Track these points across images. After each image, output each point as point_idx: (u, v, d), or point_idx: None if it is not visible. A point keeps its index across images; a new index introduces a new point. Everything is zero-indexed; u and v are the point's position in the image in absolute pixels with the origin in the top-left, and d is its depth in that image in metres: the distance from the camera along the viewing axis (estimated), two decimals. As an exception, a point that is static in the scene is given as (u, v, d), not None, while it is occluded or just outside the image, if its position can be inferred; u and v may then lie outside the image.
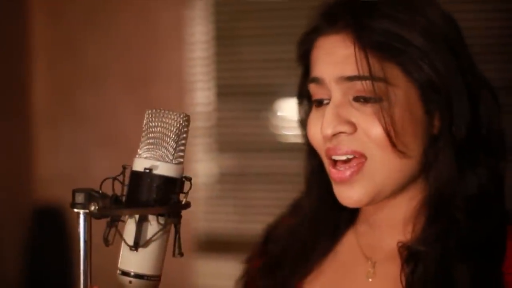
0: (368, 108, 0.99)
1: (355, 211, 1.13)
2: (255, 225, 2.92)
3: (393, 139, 0.98)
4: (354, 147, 1.00)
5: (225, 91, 2.99)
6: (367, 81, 0.98)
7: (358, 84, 0.99)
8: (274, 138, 2.97)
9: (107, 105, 3.04)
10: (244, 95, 2.98)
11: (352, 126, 1.00)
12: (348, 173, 1.01)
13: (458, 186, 1.01)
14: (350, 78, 0.99)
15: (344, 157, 1.01)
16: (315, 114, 1.05)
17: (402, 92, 0.99)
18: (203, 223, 3.08)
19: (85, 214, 0.94)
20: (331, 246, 1.13)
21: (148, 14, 3.00)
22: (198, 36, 2.96)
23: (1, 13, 3.03)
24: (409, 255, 1.02)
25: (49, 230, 3.16)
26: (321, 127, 1.01)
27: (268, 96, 2.96)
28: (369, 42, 0.98)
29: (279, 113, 2.96)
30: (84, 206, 0.93)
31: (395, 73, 0.99)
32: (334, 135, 1.01)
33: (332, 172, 1.03)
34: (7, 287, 3.09)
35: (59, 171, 3.12)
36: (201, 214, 3.06)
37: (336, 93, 1.01)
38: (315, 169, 1.12)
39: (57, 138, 3.14)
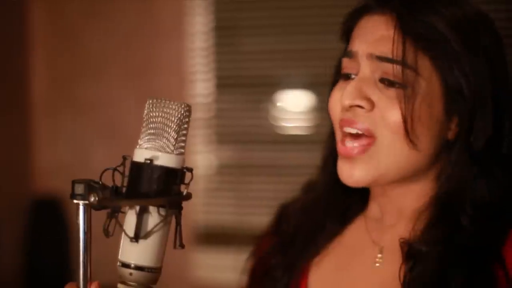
0: (391, 92, 1.00)
1: (366, 196, 1.14)
2: (254, 217, 2.94)
3: (408, 127, 0.99)
4: (367, 124, 1.01)
5: (224, 83, 2.98)
6: (398, 66, 0.99)
7: (388, 66, 1.00)
8: (273, 130, 2.96)
9: (107, 96, 3.03)
10: (243, 86, 2.97)
11: (371, 104, 1.01)
12: (355, 151, 1.02)
13: (468, 193, 1.02)
14: (381, 58, 1.01)
15: (354, 130, 1.02)
16: (339, 86, 1.07)
17: (427, 84, 1.00)
18: (202, 215, 3.07)
19: (85, 205, 0.92)
20: (339, 229, 1.15)
21: (148, 4, 2.98)
22: (198, 27, 2.95)
23: (-1, 3, 3.02)
24: (410, 252, 1.03)
25: (48, 222, 3.15)
26: (341, 96, 1.03)
27: (268, 88, 2.95)
28: (410, 30, 0.99)
29: (279, 105, 2.95)
30: (83, 197, 0.92)
31: (426, 65, 1.00)
32: (352, 107, 1.02)
33: (340, 148, 1.04)
34: (5, 278, 3.08)
35: (58, 162, 3.12)
36: (200, 206, 3.05)
37: (365, 68, 1.02)
38: (333, 150, 1.12)
39: (57, 129, 3.13)
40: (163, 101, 0.90)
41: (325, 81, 1.22)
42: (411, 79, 0.99)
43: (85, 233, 0.93)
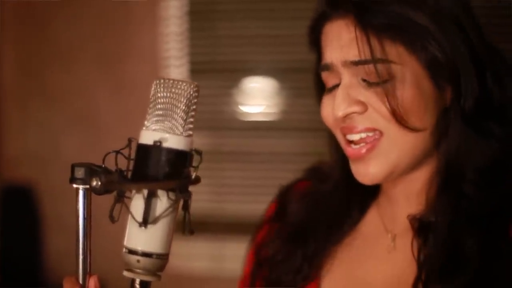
0: (376, 88, 1.00)
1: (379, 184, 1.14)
2: (229, 204, 2.91)
3: (400, 119, 0.99)
4: (367, 124, 1.02)
5: (199, 68, 2.94)
6: (370, 65, 0.99)
7: (364, 68, 1.00)
8: (248, 116, 2.93)
9: (78, 83, 2.97)
10: (218, 72, 2.94)
11: (363, 106, 1.01)
12: (364, 150, 1.02)
13: (468, 159, 1.02)
14: (355, 63, 1.00)
15: (358, 136, 1.03)
16: (327, 96, 1.07)
17: (409, 70, 1.00)
18: (175, 203, 3.03)
19: (85, 190, 0.89)
20: (359, 217, 1.16)
21: (120, -12, 2.93)
22: (172, 11, 2.91)
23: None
24: (420, 226, 1.04)
25: (17, 211, 3.11)
26: (333, 109, 1.03)
27: (244, 74, 2.91)
28: (371, 25, 0.99)
29: (254, 91, 2.92)
30: (84, 181, 0.88)
31: (400, 52, 0.99)
32: (346, 115, 1.02)
33: (348, 150, 1.05)
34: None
35: (28, 151, 3.06)
36: (173, 194, 3.01)
37: (345, 75, 1.02)
38: (337, 148, 1.13)
39: (26, 117, 3.07)
40: (171, 80, 0.87)
41: (302, 67, 1.20)
42: (389, 71, 0.99)
43: (84, 219, 0.91)
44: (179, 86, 0.86)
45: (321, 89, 1.12)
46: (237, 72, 2.92)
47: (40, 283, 3.04)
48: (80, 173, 0.89)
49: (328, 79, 1.06)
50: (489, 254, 0.98)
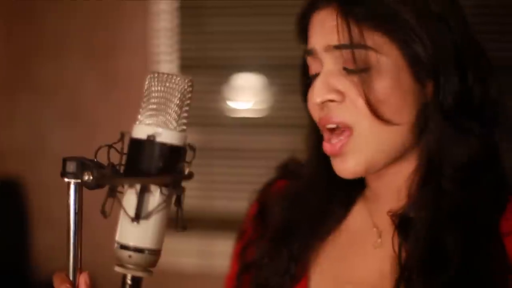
0: (355, 77, 1.01)
1: (363, 179, 1.14)
2: (218, 201, 2.90)
3: (374, 108, 0.99)
4: (342, 117, 1.02)
5: (189, 64, 2.93)
6: (349, 51, 1.00)
7: (345, 55, 1.01)
8: (238, 113, 2.93)
9: (68, 77, 2.95)
10: (209, 68, 2.93)
11: (341, 95, 1.02)
12: (338, 145, 1.03)
13: (446, 155, 1.02)
14: (336, 47, 1.01)
15: (333, 126, 1.03)
16: (311, 88, 1.07)
17: (388, 61, 1.01)
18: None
19: (76, 184, 0.88)
20: (345, 212, 1.15)
21: (111, -17, 2.91)
22: (163, 7, 2.89)
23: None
24: (400, 222, 1.04)
25: (4, 206, 3.08)
26: (312, 96, 1.04)
27: (234, 70, 2.90)
28: (352, 13, 1.00)
29: (244, 87, 2.91)
30: (76, 175, 0.88)
31: (380, 42, 1.00)
32: (324, 103, 1.03)
33: (325, 146, 1.05)
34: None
35: (15, 146, 3.03)
36: (162, 190, 2.99)
37: (327, 61, 1.04)
38: (315, 146, 1.14)
39: (14, 110, 3.04)
40: (165, 75, 0.86)
41: (293, 63, 1.21)
42: (368, 60, 1.00)
43: (75, 213, 0.90)
44: (173, 81, 0.86)
45: (306, 87, 1.12)
46: (227, 68, 2.91)
47: (28, 278, 3.03)
48: (71, 167, 0.89)
49: (312, 65, 1.07)
50: (471, 251, 0.98)
